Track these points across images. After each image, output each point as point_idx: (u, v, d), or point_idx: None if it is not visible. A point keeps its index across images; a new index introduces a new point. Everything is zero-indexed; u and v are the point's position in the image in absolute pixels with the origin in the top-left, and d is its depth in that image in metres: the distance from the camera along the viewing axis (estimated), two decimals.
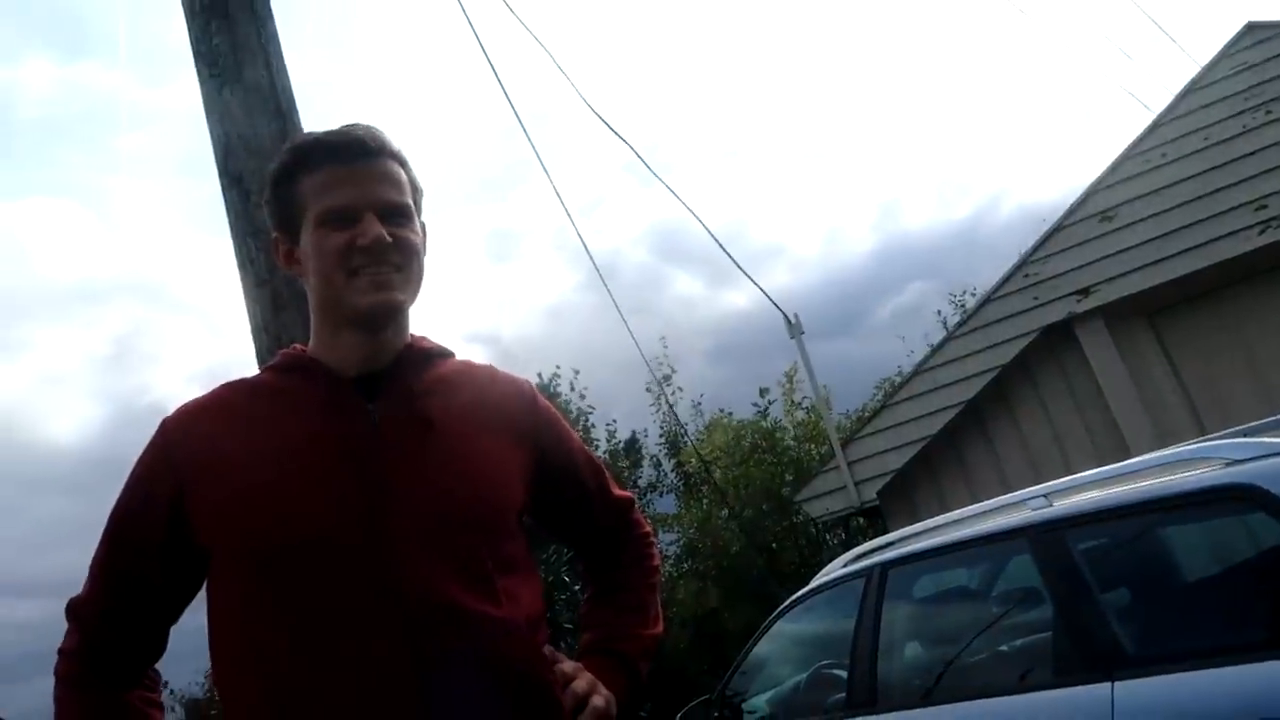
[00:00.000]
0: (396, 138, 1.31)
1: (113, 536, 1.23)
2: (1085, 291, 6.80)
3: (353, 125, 1.29)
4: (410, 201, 1.29)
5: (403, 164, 1.31)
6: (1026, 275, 7.04)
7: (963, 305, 17.55)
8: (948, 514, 3.59)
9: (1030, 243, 7.46)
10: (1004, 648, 2.88)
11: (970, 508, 3.49)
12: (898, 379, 12.95)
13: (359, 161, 1.25)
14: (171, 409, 1.29)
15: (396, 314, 1.27)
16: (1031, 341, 6.94)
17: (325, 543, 1.13)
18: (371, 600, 1.12)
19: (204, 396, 1.29)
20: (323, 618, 1.11)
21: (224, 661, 1.19)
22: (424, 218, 1.35)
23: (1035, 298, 6.96)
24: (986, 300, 7.29)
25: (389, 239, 1.23)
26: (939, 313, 18.50)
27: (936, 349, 7.44)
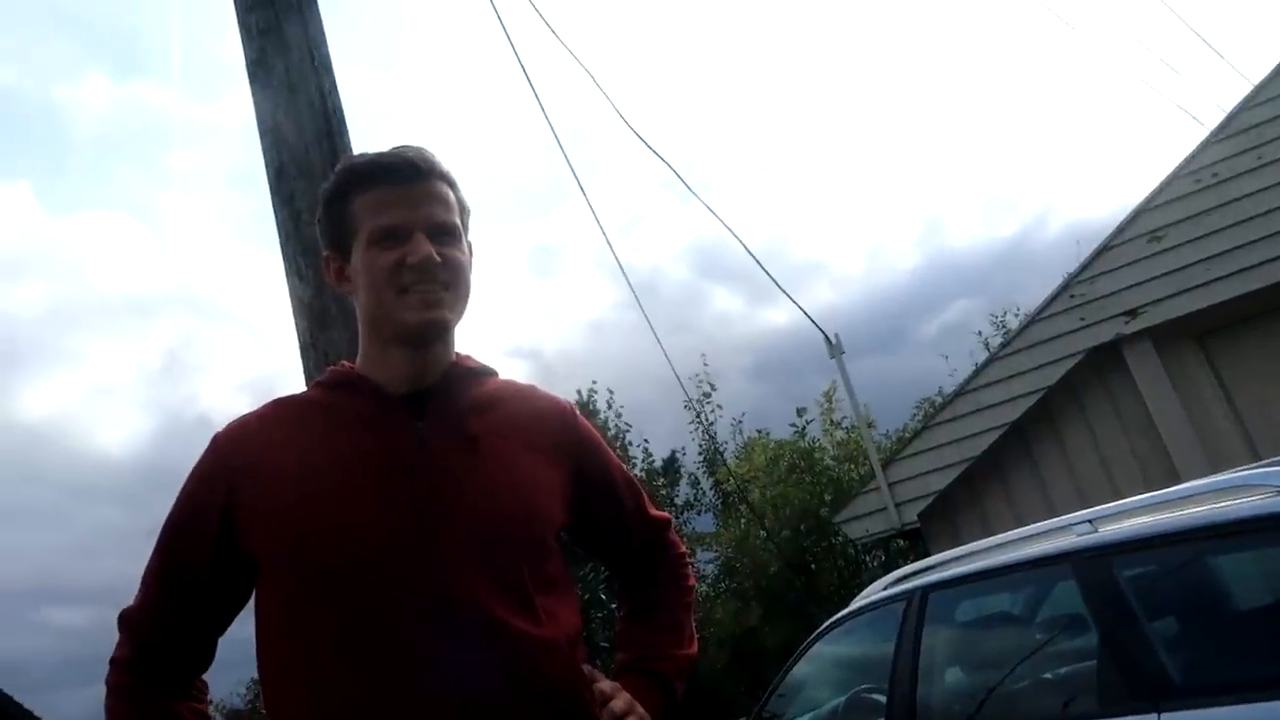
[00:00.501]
0: (445, 159, 1.34)
1: (165, 548, 1.26)
2: (1133, 313, 6.69)
3: (404, 147, 1.32)
4: (459, 221, 1.32)
5: (452, 185, 1.34)
6: (1073, 296, 6.94)
7: (1003, 325, 17.34)
8: (990, 538, 3.54)
9: (1077, 262, 7.36)
10: (1047, 675, 2.83)
11: (1013, 532, 3.43)
12: (939, 399, 12.82)
13: (410, 183, 1.28)
14: (220, 422, 1.32)
15: (444, 331, 1.30)
16: (1078, 363, 6.83)
17: (373, 557, 1.16)
18: (418, 616, 1.14)
19: (254, 411, 1.32)
20: (370, 631, 1.13)
21: (272, 673, 1.21)
22: (470, 237, 1.37)
23: (1082, 319, 6.86)
24: (1032, 320, 7.19)
25: (438, 258, 1.26)
26: (979, 333, 18.30)
27: (980, 370, 7.35)
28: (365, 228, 1.28)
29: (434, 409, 1.28)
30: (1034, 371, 6.93)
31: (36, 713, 18.33)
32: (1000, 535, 3.43)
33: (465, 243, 1.35)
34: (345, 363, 1.39)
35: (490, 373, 1.41)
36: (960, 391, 7.36)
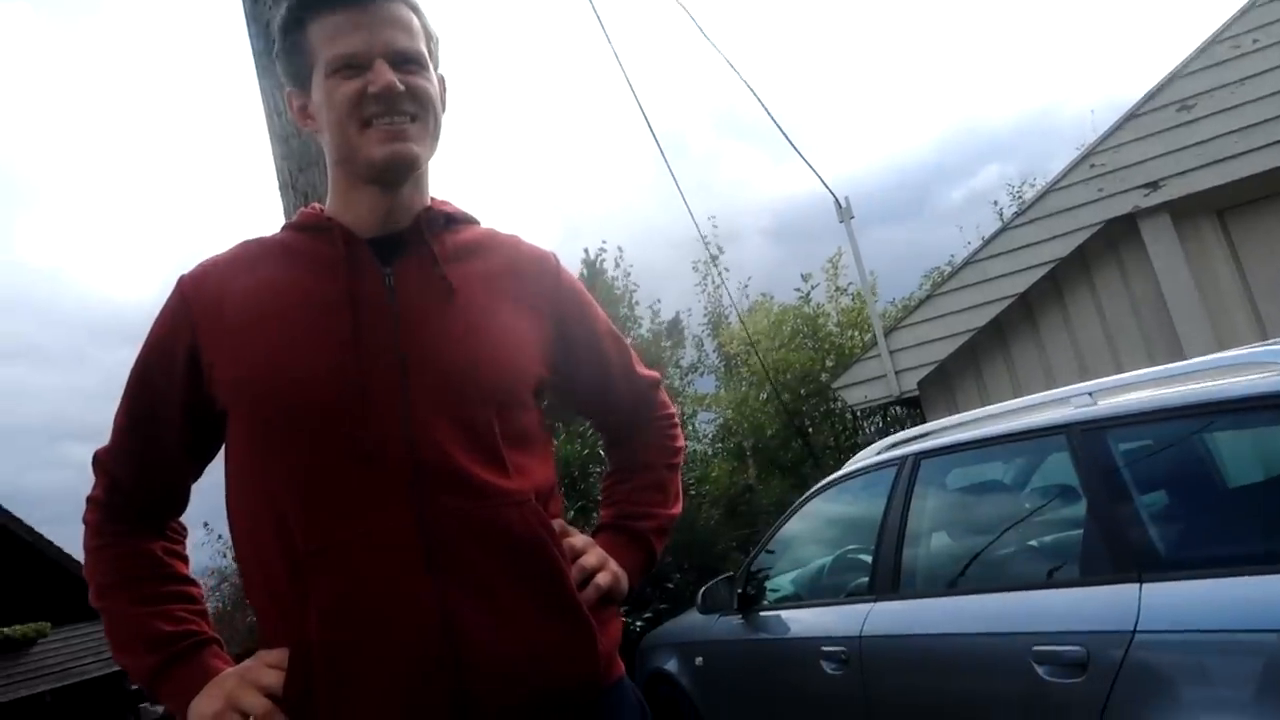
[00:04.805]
0: None
1: (134, 391, 1.23)
2: (1154, 185, 6.49)
3: None
4: (424, 49, 1.22)
5: (415, 9, 1.23)
6: (1093, 165, 6.72)
7: (1020, 196, 17.00)
8: (987, 407, 3.53)
9: (1096, 133, 7.09)
10: (1033, 543, 2.86)
11: (1011, 402, 3.41)
12: (948, 269, 12.68)
13: (368, 5, 1.18)
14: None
15: (413, 167, 1.22)
16: (1092, 235, 6.68)
17: (333, 401, 1.12)
18: (380, 461, 1.11)
19: (222, 254, 1.26)
20: (331, 476, 1.11)
21: (240, 517, 1.19)
22: (441, 70, 1.27)
23: (1100, 189, 6.66)
24: (1048, 190, 6.99)
25: (401, 87, 1.17)
26: (995, 203, 17.98)
27: (990, 239, 7.20)
28: (322, 57, 1.19)
29: (406, 254, 1.22)
30: (1046, 243, 6.79)
31: (56, 543, 19.06)
32: (997, 405, 3.41)
33: (434, 73, 1.25)
34: (317, 205, 1.32)
35: (470, 220, 1.33)
36: (968, 261, 7.24)
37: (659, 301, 14.14)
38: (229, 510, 1.22)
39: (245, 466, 1.17)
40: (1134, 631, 2.17)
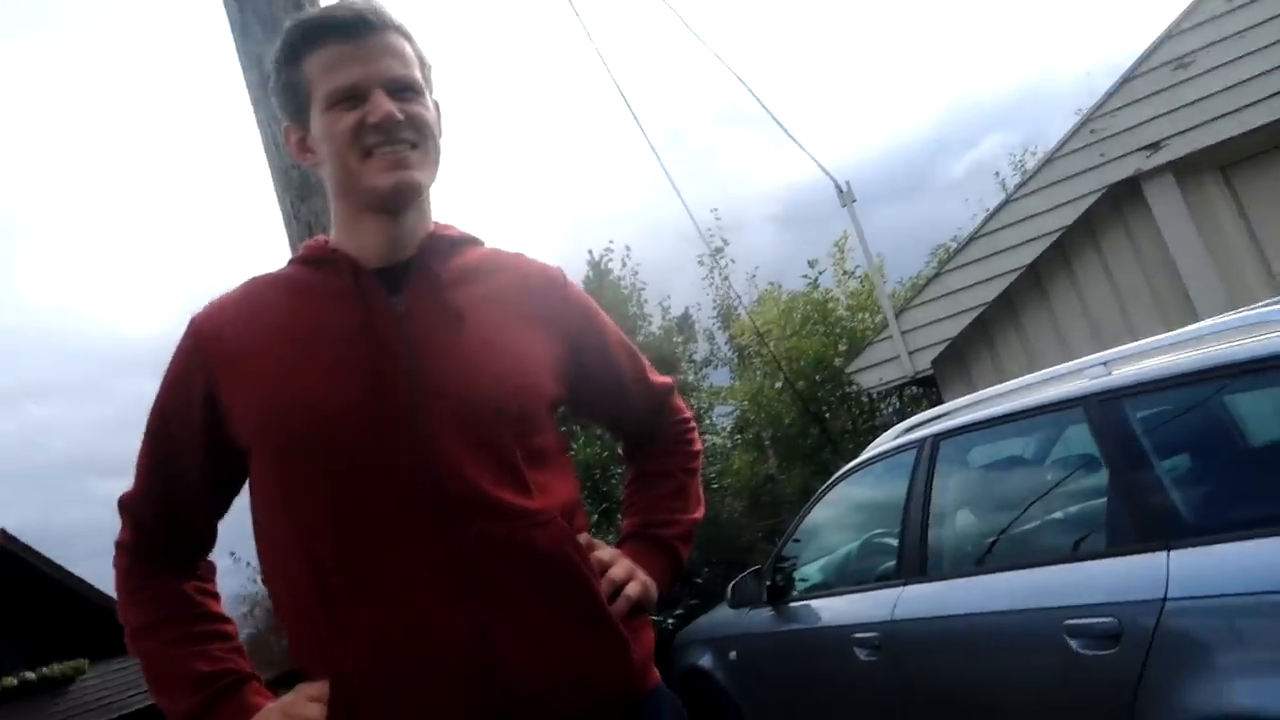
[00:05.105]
0: (398, 11, 1.24)
1: (153, 435, 1.24)
2: (1155, 146, 6.45)
3: None
4: (419, 76, 1.24)
5: (408, 37, 1.24)
6: (1093, 131, 6.68)
7: (1022, 166, 16.92)
8: (1003, 384, 3.52)
9: (1094, 97, 7.05)
10: (1057, 517, 2.86)
11: (1026, 377, 3.41)
12: (954, 244, 12.64)
13: (362, 37, 1.19)
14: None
15: (416, 194, 1.23)
16: (1096, 201, 6.64)
17: (357, 433, 1.13)
18: (405, 490, 1.12)
19: (231, 292, 1.27)
20: (360, 508, 1.12)
21: (269, 552, 1.20)
22: (435, 95, 1.28)
23: (1101, 155, 6.62)
24: (1049, 159, 6.96)
25: (400, 115, 1.18)
26: (997, 174, 17.89)
27: (995, 212, 7.17)
28: (320, 91, 1.20)
29: (412, 282, 1.23)
30: (1050, 212, 6.76)
31: (88, 580, 19.19)
32: (1013, 381, 3.41)
33: (430, 100, 1.26)
34: (321, 236, 1.33)
35: (474, 241, 1.34)
36: (974, 236, 7.22)
37: (669, 297, 14.12)
38: (258, 546, 1.23)
39: (271, 502, 1.19)
40: (1164, 599, 2.17)
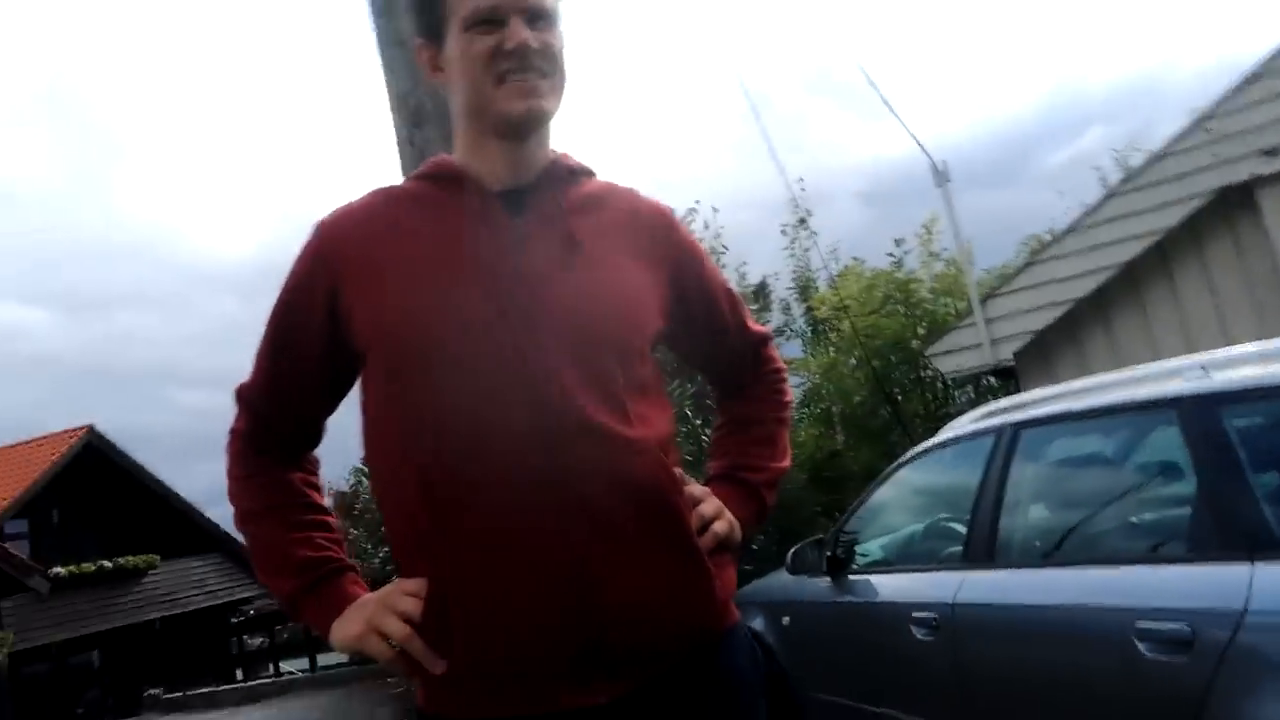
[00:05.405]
0: None
1: (274, 331, 1.29)
2: (1274, 151, 6.16)
3: None
4: (555, 7, 1.25)
5: None
6: (1207, 130, 6.40)
7: (1126, 162, 16.30)
8: (1089, 378, 3.44)
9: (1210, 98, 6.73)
10: (1135, 518, 2.80)
11: (1116, 373, 3.33)
12: (1048, 236, 12.27)
13: None
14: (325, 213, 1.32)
15: (543, 122, 1.26)
16: (1204, 204, 6.38)
17: (470, 349, 1.16)
18: (512, 407, 1.14)
19: (357, 201, 1.31)
20: (469, 420, 1.15)
21: (378, 455, 1.25)
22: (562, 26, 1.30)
23: (1214, 155, 6.34)
24: (1158, 157, 6.70)
25: (535, 44, 1.20)
26: (1098, 168, 17.26)
27: (1095, 207, 6.94)
28: (458, 12, 1.23)
29: (532, 206, 1.25)
30: (1154, 211, 6.52)
31: (165, 480, 20.02)
32: (1101, 376, 3.33)
33: (561, 30, 1.28)
34: (445, 156, 1.36)
35: (590, 173, 1.37)
36: (1071, 228, 7.01)
37: (745, 264, 13.99)
38: (366, 447, 1.28)
39: (382, 406, 1.23)
40: (1244, 612, 2.12)
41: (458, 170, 1.28)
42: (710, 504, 1.29)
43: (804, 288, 14.38)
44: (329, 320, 1.24)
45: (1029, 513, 3.13)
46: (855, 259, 12.59)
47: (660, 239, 1.34)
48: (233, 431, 1.34)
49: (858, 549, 3.97)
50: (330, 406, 1.35)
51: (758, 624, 4.41)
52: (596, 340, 1.20)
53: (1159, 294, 6.72)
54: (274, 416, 1.31)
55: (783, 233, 13.88)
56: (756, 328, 1.52)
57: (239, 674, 17.73)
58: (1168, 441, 2.77)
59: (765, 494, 1.42)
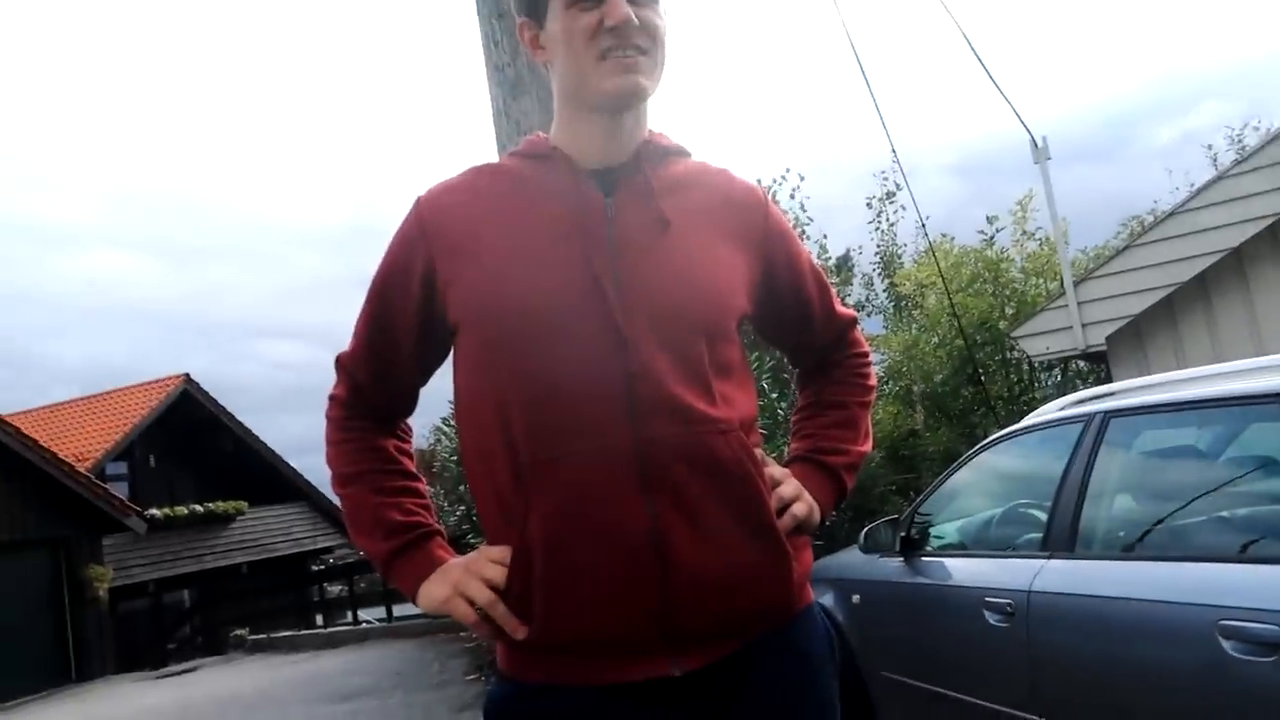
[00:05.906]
0: None
1: (373, 302, 1.34)
2: None
3: None
4: None
5: None
6: None
7: (1240, 141, 15.55)
8: (1187, 370, 3.33)
9: None
10: (1226, 515, 2.71)
11: (1215, 365, 3.22)
12: (1150, 217, 11.83)
13: None
14: (423, 188, 1.36)
15: (641, 98, 1.27)
16: None
17: (561, 324, 1.19)
18: (600, 384, 1.17)
19: (455, 178, 1.35)
20: (557, 394, 1.18)
21: (469, 426, 1.29)
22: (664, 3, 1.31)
23: None
24: (1275, 137, 6.38)
25: (636, 21, 1.21)
26: (1209, 147, 16.50)
27: (1203, 188, 6.66)
28: None
29: (625, 186, 1.27)
30: (1268, 194, 6.23)
31: (255, 431, 20.80)
32: (1199, 368, 3.22)
33: (662, 7, 1.28)
34: (541, 134, 1.39)
35: (684, 152, 1.38)
36: (1175, 211, 6.74)
37: (825, 236, 13.82)
38: (458, 418, 1.33)
39: (474, 378, 1.27)
40: None
41: (553, 148, 1.31)
42: (790, 485, 1.31)
43: (888, 263, 14.16)
44: (426, 294, 1.28)
45: (1114, 503, 3.06)
46: (944, 235, 12.33)
47: (751, 221, 1.35)
48: (331, 398, 1.40)
49: (932, 531, 3.93)
50: (425, 377, 1.40)
51: (828, 600, 4.41)
52: (684, 320, 1.22)
53: (1269, 283, 6.43)
54: (370, 385, 1.36)
55: (868, 205, 13.66)
56: (843, 311, 1.52)
57: (319, 619, 18.43)
58: (1265, 437, 2.68)
59: (845, 477, 1.43)
